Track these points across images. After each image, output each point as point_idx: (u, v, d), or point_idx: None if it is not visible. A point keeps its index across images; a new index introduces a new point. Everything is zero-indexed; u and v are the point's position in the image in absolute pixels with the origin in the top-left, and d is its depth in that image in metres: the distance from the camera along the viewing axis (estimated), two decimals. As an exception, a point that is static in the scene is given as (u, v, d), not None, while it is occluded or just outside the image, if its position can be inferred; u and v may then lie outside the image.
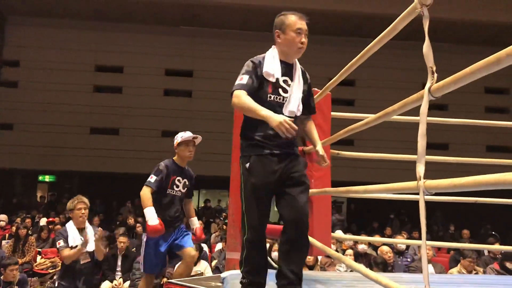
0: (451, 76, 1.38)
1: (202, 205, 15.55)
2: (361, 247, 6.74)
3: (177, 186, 4.03)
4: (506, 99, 16.07)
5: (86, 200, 4.31)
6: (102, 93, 15.47)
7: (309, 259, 5.67)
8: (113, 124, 15.07)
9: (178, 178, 4.02)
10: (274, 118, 1.96)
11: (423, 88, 1.53)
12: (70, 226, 4.25)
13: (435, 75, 1.47)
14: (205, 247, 6.85)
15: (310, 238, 3.05)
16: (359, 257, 6.42)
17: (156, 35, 15.29)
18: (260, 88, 2.18)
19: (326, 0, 13.05)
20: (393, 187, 1.75)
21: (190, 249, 3.99)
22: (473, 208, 12.62)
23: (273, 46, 2.31)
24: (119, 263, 6.09)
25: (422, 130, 1.52)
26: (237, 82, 2.18)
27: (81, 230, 4.26)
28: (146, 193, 3.77)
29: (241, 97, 2.09)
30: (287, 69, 2.26)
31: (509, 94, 16.17)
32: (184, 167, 4.12)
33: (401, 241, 4.43)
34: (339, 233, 7.50)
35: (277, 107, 2.16)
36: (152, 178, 3.86)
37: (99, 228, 4.51)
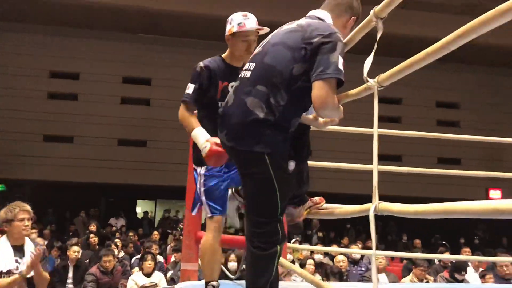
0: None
1: (161, 216, 15.34)
2: (317, 257, 6.81)
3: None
4: (456, 113, 16.71)
5: (29, 208, 3.31)
6: (57, 100, 15.04)
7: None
8: (68, 132, 14.66)
9: (232, 84, 2.43)
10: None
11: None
12: (2, 244, 3.20)
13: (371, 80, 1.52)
14: (160, 258, 6.75)
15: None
16: (316, 267, 6.48)
17: (114, 42, 15.04)
18: None
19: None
20: (348, 211, 1.79)
21: None
22: (424, 219, 13.00)
23: None
24: (70, 274, 5.91)
25: (375, 126, 1.53)
26: None
27: (18, 248, 3.22)
28: (183, 112, 2.46)
29: None
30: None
31: (459, 108, 16.83)
32: (238, 67, 2.51)
33: (354, 251, 4.51)
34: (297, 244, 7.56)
35: None
36: (189, 88, 2.48)
37: (38, 244, 3.39)
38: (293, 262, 6.64)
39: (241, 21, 2.46)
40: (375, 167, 1.50)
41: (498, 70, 16.52)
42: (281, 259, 3.23)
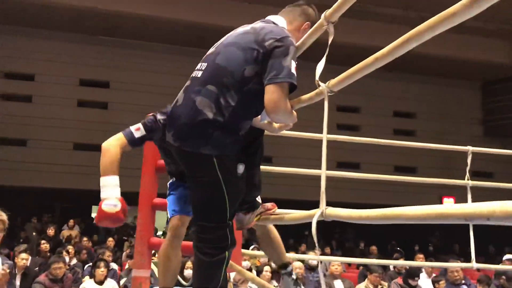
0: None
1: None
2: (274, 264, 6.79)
3: None
4: (413, 123, 17.18)
5: (4, 216, 2.85)
6: (10, 102, 14.51)
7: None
8: (21, 135, 14.15)
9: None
10: None
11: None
12: None
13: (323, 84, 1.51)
14: (114, 265, 6.56)
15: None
16: (274, 273, 6.46)
17: (71, 43, 14.66)
18: None
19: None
20: (296, 217, 1.77)
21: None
22: (381, 226, 13.26)
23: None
24: (17, 282, 5.66)
25: (324, 131, 1.52)
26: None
27: None
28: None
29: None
30: None
31: (416, 118, 17.31)
32: None
33: (309, 257, 4.52)
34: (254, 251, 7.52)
35: None
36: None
37: (5, 263, 2.79)
38: (250, 269, 6.60)
39: None
40: (323, 173, 1.49)
41: (453, 81, 17.11)
42: (237, 266, 3.18)
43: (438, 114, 16.94)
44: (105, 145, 2.12)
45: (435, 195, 15.75)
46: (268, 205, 2.20)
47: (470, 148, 3.76)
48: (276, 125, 2.09)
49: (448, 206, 0.88)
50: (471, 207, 0.82)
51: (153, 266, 5.63)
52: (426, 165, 15.67)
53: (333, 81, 1.53)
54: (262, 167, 3.91)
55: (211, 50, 1.93)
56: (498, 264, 7.19)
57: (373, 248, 11.10)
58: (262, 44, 1.75)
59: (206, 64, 1.86)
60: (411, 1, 12.90)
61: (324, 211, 1.42)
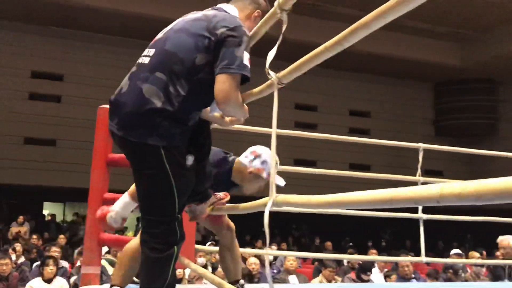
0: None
1: (70, 219, 14.56)
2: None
3: None
4: (367, 122, 17.55)
5: None
6: (-45, 93, 13.85)
7: (179, 272, 5.54)
8: (-32, 128, 13.53)
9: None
10: None
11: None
12: None
13: (272, 73, 1.50)
14: (64, 263, 6.36)
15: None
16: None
17: (23, 34, 14.11)
18: None
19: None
20: (246, 207, 1.75)
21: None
22: (336, 222, 13.51)
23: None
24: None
25: (274, 126, 1.51)
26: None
27: None
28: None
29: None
30: None
31: (371, 117, 17.70)
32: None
33: (263, 252, 4.52)
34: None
35: None
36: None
37: None
38: (205, 265, 6.56)
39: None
40: (272, 165, 1.48)
41: (407, 82, 17.60)
42: (188, 262, 3.14)
43: (391, 114, 17.39)
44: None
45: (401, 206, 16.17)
46: (221, 194, 2.17)
47: (421, 145, 3.86)
48: (227, 119, 2.04)
49: (397, 190, 0.88)
50: (420, 190, 0.82)
51: (104, 263, 5.49)
52: (379, 163, 16.05)
53: (282, 73, 1.52)
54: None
55: (160, 35, 1.84)
56: (446, 258, 7.44)
57: (328, 244, 11.27)
58: (214, 32, 1.70)
59: (154, 50, 1.77)
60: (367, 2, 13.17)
61: (275, 198, 1.41)
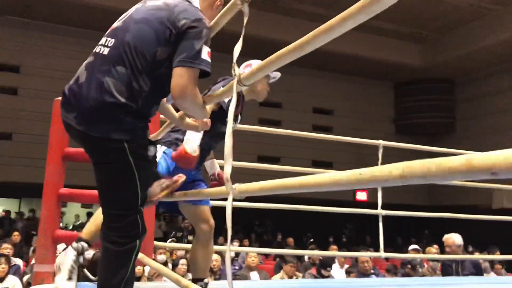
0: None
1: (26, 216, 14.09)
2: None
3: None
4: (330, 119, 17.76)
5: None
6: None
7: (139, 269, 5.44)
8: None
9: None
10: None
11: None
12: None
13: (237, 69, 1.47)
14: (18, 260, 6.14)
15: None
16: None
17: (-24, 23, 13.54)
18: None
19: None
20: (205, 193, 1.72)
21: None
22: (298, 218, 13.64)
23: None
24: None
25: (229, 129, 1.48)
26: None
27: None
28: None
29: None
30: None
31: (333, 115, 17.92)
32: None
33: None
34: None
35: None
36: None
37: None
38: (166, 262, 6.47)
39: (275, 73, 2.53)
40: (227, 161, 1.46)
41: (369, 80, 17.90)
42: (149, 260, 3.07)
43: (354, 112, 17.66)
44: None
45: (349, 189, 16.44)
46: (175, 177, 2.13)
47: (381, 142, 3.92)
48: (187, 121, 2.06)
49: (363, 171, 0.87)
50: (382, 170, 0.81)
51: (60, 261, 5.33)
52: (341, 161, 16.27)
53: (244, 75, 1.49)
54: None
55: (119, 24, 1.77)
56: (405, 254, 7.61)
57: (290, 240, 11.35)
58: (175, 24, 1.65)
59: (113, 40, 1.70)
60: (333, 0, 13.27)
61: (236, 189, 1.39)
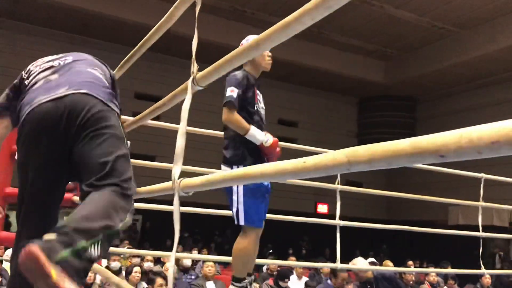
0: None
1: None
2: (147, 265, 6.55)
3: (260, 102, 2.95)
4: (295, 131, 17.88)
5: None
6: None
7: (89, 276, 5.26)
8: None
9: (258, 92, 2.94)
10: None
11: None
12: None
13: (196, 66, 1.42)
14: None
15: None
16: (143, 274, 6.21)
17: None
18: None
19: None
20: (149, 190, 1.65)
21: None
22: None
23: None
24: None
25: (182, 129, 1.43)
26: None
27: None
28: (235, 116, 2.67)
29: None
30: None
31: (298, 127, 18.05)
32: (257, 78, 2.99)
33: (186, 256, 4.39)
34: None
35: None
36: (233, 92, 2.71)
37: None
38: (120, 269, 6.29)
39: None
40: (176, 160, 1.41)
41: (334, 94, 18.14)
42: (99, 268, 2.95)
43: (318, 125, 17.83)
44: (227, 118, 2.72)
45: (310, 201, 16.55)
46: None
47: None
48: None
49: (308, 159, 0.86)
50: (327, 158, 0.80)
51: (6, 265, 5.07)
52: (304, 173, 16.35)
53: (200, 75, 1.44)
54: (146, 162, 3.79)
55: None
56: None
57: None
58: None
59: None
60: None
61: (180, 183, 1.33)
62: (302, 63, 15.09)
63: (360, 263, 5.29)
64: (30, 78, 1.86)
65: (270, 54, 2.92)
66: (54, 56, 1.98)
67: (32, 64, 1.98)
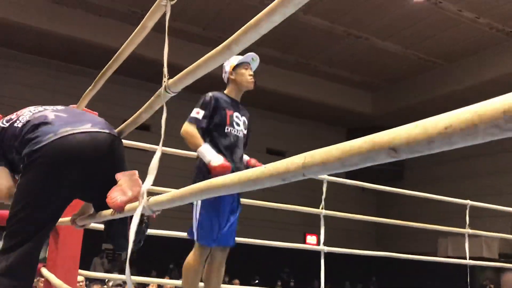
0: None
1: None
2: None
3: (238, 125, 2.85)
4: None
5: None
6: None
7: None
8: None
9: (236, 114, 2.85)
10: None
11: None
12: None
13: (167, 75, 1.38)
14: None
15: (51, 276, 2.65)
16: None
17: None
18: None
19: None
20: (111, 213, 1.58)
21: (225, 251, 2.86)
22: (246, 258, 13.36)
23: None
24: None
25: (160, 144, 1.38)
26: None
27: None
28: (192, 129, 2.65)
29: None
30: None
31: (285, 156, 17.98)
32: (238, 101, 2.94)
33: (167, 282, 4.26)
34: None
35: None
36: (199, 113, 2.69)
37: None
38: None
39: (238, 57, 2.84)
40: (149, 174, 1.36)
41: (322, 125, 18.25)
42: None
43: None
44: (184, 132, 2.68)
45: (300, 232, 16.39)
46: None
47: (326, 178, 3.90)
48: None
49: (263, 168, 0.84)
50: (283, 163, 0.77)
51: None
52: (291, 203, 16.24)
53: (171, 81, 1.41)
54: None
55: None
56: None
57: (236, 282, 11.07)
58: None
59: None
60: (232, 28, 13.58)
61: (147, 202, 1.26)
62: (290, 93, 15.21)
63: None
64: (21, 119, 1.87)
65: (251, 73, 2.88)
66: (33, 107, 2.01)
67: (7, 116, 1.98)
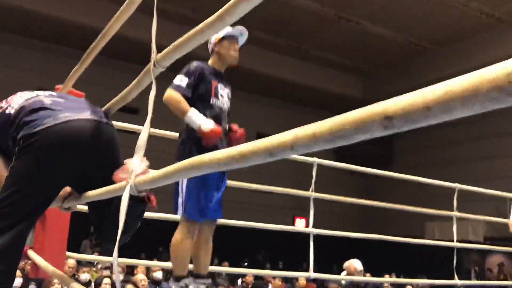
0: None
1: None
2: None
3: (222, 96, 2.74)
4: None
5: None
6: None
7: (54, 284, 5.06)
8: None
9: (220, 85, 2.75)
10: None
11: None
12: None
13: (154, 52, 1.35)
14: None
15: (38, 259, 2.63)
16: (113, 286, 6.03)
17: None
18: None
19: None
20: (99, 192, 1.56)
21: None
22: (235, 243, 13.44)
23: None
24: None
25: (148, 120, 1.35)
26: None
27: None
28: (176, 96, 2.52)
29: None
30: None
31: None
32: (222, 72, 2.83)
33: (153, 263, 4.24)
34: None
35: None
36: (182, 81, 2.58)
37: None
38: (89, 281, 6.10)
39: (226, 30, 2.71)
40: (137, 152, 1.33)
41: (312, 109, 18.22)
42: (57, 272, 2.81)
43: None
44: (167, 98, 2.55)
45: (289, 215, 16.48)
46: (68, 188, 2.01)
47: (316, 160, 3.90)
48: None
49: (251, 144, 0.81)
50: (273, 139, 0.75)
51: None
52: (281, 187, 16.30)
53: (160, 55, 1.38)
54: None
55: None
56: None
57: (225, 264, 11.13)
58: None
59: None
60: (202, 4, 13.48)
61: (134, 181, 1.24)
62: (281, 78, 15.14)
63: (355, 264, 5.22)
64: (14, 105, 1.81)
65: (236, 49, 2.77)
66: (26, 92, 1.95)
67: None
